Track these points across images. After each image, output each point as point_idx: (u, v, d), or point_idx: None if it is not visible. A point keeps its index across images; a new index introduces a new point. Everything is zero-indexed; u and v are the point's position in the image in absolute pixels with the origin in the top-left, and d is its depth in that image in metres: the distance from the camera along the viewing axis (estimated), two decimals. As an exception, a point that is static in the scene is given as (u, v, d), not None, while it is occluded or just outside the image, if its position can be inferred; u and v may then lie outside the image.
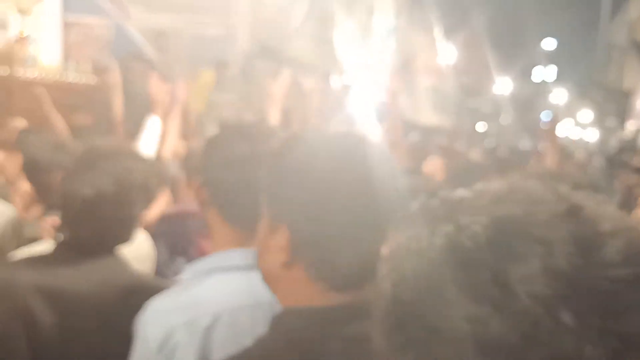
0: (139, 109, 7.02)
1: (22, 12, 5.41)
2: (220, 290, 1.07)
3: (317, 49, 9.69)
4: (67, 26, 6.76)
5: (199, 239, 2.13)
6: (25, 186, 2.65)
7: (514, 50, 19.63)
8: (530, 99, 24.74)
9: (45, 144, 2.02)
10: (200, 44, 8.13)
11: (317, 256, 0.81)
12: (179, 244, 2.12)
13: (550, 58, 26.28)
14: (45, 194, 1.97)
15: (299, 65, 9.47)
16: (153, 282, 1.49)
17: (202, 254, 2.07)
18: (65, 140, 2.12)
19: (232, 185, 1.10)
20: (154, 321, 1.04)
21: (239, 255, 1.11)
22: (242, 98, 8.44)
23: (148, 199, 1.45)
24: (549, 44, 25.20)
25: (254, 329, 1.04)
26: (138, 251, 1.90)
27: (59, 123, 4.36)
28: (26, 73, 4.99)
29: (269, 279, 0.88)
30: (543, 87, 26.86)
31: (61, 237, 1.40)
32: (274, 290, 0.88)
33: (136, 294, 1.33)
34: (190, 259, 2.08)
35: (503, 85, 20.82)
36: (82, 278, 1.36)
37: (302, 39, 9.36)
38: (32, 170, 2.05)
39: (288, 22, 9.07)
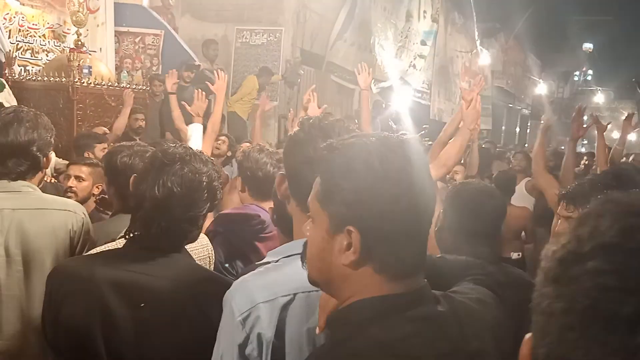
0: (189, 111, 7.25)
1: (78, 23, 5.64)
2: (299, 273, 1.16)
3: (357, 55, 9.77)
4: (119, 36, 7.06)
5: (255, 241, 2.18)
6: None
7: (555, 53, 19.22)
8: (571, 101, 24.15)
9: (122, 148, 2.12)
10: (247, 51, 8.33)
11: (385, 251, 0.88)
12: (236, 245, 2.17)
13: (592, 59, 25.59)
14: (122, 196, 2.05)
15: (340, 70, 9.59)
16: (218, 278, 1.57)
17: (257, 255, 2.15)
18: (138, 144, 2.23)
19: (309, 179, 1.16)
20: (240, 297, 1.15)
21: None
22: (285, 103, 8.61)
23: (212, 199, 1.52)
24: (591, 45, 24.53)
25: None
26: (199, 251, 1.99)
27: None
28: (83, 81, 5.23)
29: (332, 280, 0.93)
30: (585, 89, 26.17)
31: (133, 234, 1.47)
32: (338, 289, 0.93)
33: (203, 288, 1.43)
34: (247, 260, 2.16)
35: (544, 88, 20.38)
36: (152, 273, 1.42)
37: (343, 45, 9.45)
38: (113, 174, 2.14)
39: (330, 30, 9.18)
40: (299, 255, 1.19)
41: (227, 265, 2.15)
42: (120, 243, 1.62)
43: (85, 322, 1.38)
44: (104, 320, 1.37)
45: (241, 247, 2.17)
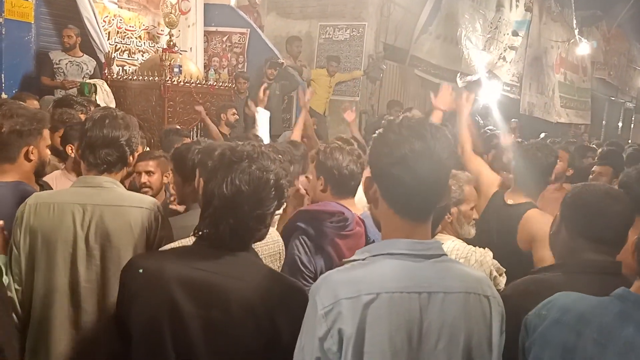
0: (272, 108, 7.45)
1: (170, 24, 5.93)
2: (384, 273, 1.19)
3: (442, 48, 9.51)
4: (208, 35, 7.35)
5: (336, 238, 2.16)
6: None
7: (666, 40, 17.60)
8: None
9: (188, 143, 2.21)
10: (330, 47, 8.37)
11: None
12: (317, 241, 2.16)
13: None
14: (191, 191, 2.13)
15: (424, 64, 9.38)
16: (284, 279, 1.56)
17: (338, 252, 2.15)
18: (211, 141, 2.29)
19: (402, 180, 1.20)
20: (325, 291, 1.17)
21: (404, 244, 1.22)
22: (367, 98, 8.56)
23: (280, 197, 1.51)
24: None
25: (409, 312, 1.16)
26: (270, 247, 2.03)
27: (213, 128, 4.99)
28: (174, 79, 5.49)
29: None
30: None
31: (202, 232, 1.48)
32: None
33: (270, 289, 1.43)
34: (327, 256, 2.16)
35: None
36: (221, 272, 1.43)
37: (427, 39, 9.24)
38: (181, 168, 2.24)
39: (415, 23, 8.99)
40: (387, 255, 1.21)
41: (305, 261, 2.15)
42: (190, 240, 1.65)
43: (154, 316, 1.41)
44: (172, 316, 1.40)
45: (322, 243, 2.16)
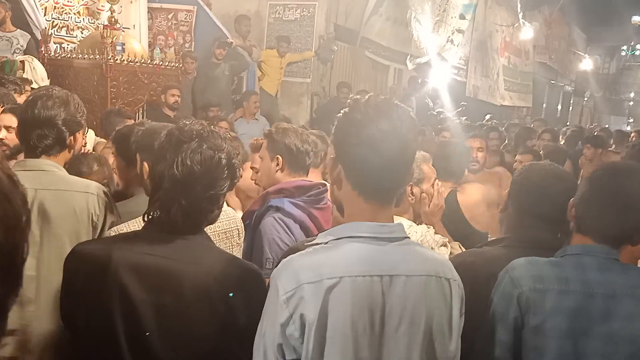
0: (221, 89, 7.24)
1: (112, 0, 5.65)
2: (347, 257, 1.17)
3: (393, 30, 9.53)
4: (152, 12, 7.06)
5: (312, 210, 2.19)
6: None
7: (602, 26, 18.33)
8: (617, 77, 23.14)
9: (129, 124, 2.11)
10: (280, 27, 8.22)
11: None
12: (293, 217, 2.17)
13: (642, 33, 24.22)
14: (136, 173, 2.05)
15: (375, 46, 9.38)
16: (238, 261, 1.52)
17: (317, 224, 2.16)
18: (150, 121, 2.20)
19: (368, 161, 1.18)
20: (287, 276, 1.14)
21: (368, 227, 1.20)
22: (319, 80, 8.49)
23: (232, 177, 1.46)
24: (641, 18, 23.22)
25: (371, 296, 1.14)
26: (224, 224, 1.98)
27: None
28: (116, 58, 5.24)
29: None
30: (632, 64, 24.90)
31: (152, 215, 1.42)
32: None
33: (223, 272, 1.38)
34: (305, 230, 2.17)
35: (589, 63, 19.53)
36: (172, 257, 1.38)
37: (378, 20, 9.22)
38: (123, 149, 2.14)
39: (365, 4, 8.95)
40: (350, 239, 1.19)
41: (285, 239, 2.15)
42: (140, 222, 1.57)
43: (103, 305, 1.35)
44: (122, 304, 1.34)
45: (299, 217, 2.18)
